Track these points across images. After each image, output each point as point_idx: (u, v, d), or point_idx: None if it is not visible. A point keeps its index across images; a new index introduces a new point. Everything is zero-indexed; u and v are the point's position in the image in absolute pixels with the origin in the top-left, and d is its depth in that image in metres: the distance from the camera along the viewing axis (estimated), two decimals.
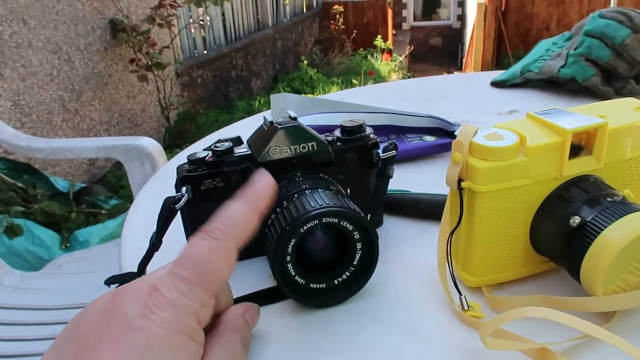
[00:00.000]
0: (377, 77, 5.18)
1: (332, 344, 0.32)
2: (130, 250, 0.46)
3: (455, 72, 7.09)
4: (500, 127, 0.32)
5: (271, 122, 0.39)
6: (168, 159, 1.31)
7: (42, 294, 1.04)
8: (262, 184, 0.28)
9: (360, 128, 0.42)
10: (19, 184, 1.71)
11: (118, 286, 0.40)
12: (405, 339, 0.31)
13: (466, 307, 0.32)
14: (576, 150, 0.32)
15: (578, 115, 0.32)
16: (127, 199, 1.98)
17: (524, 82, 0.88)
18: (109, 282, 0.41)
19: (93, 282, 1.05)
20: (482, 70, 6.43)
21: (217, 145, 0.40)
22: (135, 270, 0.41)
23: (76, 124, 2.56)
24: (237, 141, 0.41)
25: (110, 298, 0.25)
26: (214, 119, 3.43)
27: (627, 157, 0.33)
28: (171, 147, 2.97)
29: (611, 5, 4.83)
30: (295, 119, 0.40)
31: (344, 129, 0.42)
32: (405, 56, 6.44)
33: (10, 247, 1.41)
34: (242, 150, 0.40)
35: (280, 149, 0.38)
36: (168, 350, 0.23)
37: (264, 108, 3.82)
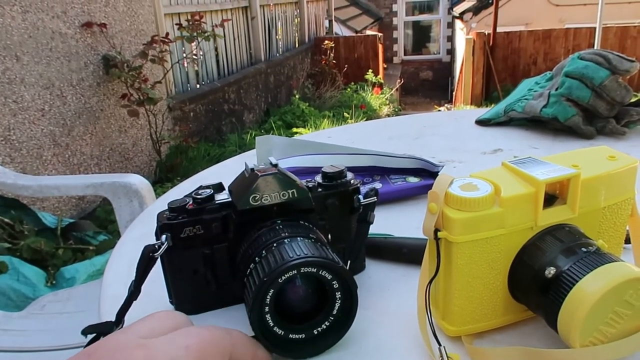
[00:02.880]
0: (369, 111, 5.25)
1: None
2: (110, 296, 0.46)
3: (446, 105, 7.22)
4: (476, 177, 0.33)
5: (252, 169, 0.40)
6: (158, 194, 1.31)
7: (25, 335, 1.01)
8: None
9: (341, 174, 0.42)
10: (6, 220, 1.69)
11: (95, 337, 0.40)
12: None
13: (446, 359, 0.31)
14: (551, 200, 0.33)
15: (552, 165, 0.33)
16: (117, 234, 1.96)
17: (507, 121, 0.90)
18: (86, 332, 0.41)
19: (77, 323, 1.03)
20: (471, 103, 6.55)
21: (199, 192, 0.40)
22: (113, 319, 0.40)
23: (67, 158, 2.55)
24: (218, 188, 0.42)
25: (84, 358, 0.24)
26: (205, 153, 3.44)
27: (601, 206, 0.33)
28: (162, 181, 2.96)
29: (595, 40, 4.98)
30: (276, 165, 0.40)
31: (325, 174, 0.42)
32: (396, 89, 6.55)
33: None
34: (222, 197, 0.40)
35: (260, 196, 0.38)
36: None
37: (255, 142, 3.83)
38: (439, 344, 0.32)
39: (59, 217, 1.90)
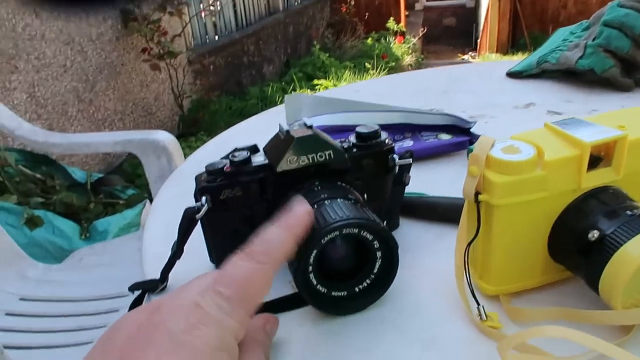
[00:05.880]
0: (391, 60, 5.12)
1: (352, 354, 0.33)
2: (151, 256, 0.47)
3: (470, 53, 6.98)
4: (518, 139, 0.32)
5: (287, 131, 0.40)
6: (182, 149, 1.32)
7: (65, 286, 1.07)
8: (301, 212, 0.30)
9: (376, 134, 0.42)
10: (38, 175, 1.74)
11: (141, 293, 0.42)
12: (424, 350, 0.32)
13: (484, 318, 0.32)
14: (595, 162, 0.32)
15: (596, 126, 0.32)
16: (144, 188, 2.00)
17: (540, 73, 0.87)
18: (132, 288, 0.43)
19: (113, 275, 1.07)
20: (497, 51, 6.32)
21: (235, 154, 0.40)
22: (157, 277, 0.42)
23: (91, 114, 2.58)
24: (254, 150, 0.42)
25: (148, 314, 0.25)
26: (227, 107, 3.43)
27: None
28: (185, 135, 2.98)
29: None
30: (311, 127, 0.40)
31: (359, 135, 0.42)
32: (419, 38, 6.34)
33: (32, 238, 1.45)
34: (259, 159, 0.40)
35: (297, 158, 0.39)
36: None
37: (277, 95, 3.80)
38: (477, 303, 0.33)
39: (88, 172, 1.94)
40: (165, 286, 0.41)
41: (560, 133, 0.32)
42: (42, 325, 0.95)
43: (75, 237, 1.56)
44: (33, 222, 1.48)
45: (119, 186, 1.95)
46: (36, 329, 0.94)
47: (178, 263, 0.41)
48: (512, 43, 6.35)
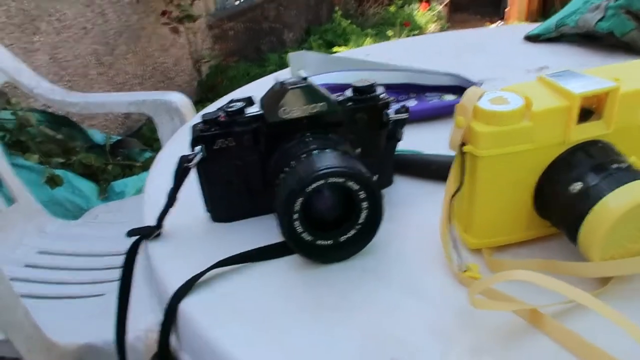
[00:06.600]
0: (414, 29, 5.00)
1: (335, 299, 0.33)
2: (152, 204, 0.48)
3: (498, 23, 6.76)
4: (508, 90, 0.32)
5: (281, 83, 0.40)
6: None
7: (81, 241, 1.10)
8: None
9: (371, 88, 0.42)
10: (58, 136, 1.78)
11: (138, 238, 0.43)
12: (403, 296, 0.33)
13: (464, 268, 0.33)
14: (586, 114, 0.32)
15: (590, 78, 0.31)
16: None
17: (558, 37, 0.84)
18: (130, 234, 0.44)
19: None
20: (526, 20, 6.10)
21: (230, 105, 0.41)
22: (154, 223, 0.43)
23: (111, 77, 2.60)
24: (249, 101, 0.42)
25: None
26: (245, 73, 3.42)
27: (639, 123, 0.32)
28: (203, 101, 2.99)
29: None
30: (305, 78, 0.40)
31: (355, 88, 0.42)
32: (445, 5, 6.15)
33: (52, 196, 1.49)
34: (253, 110, 0.41)
35: (290, 109, 0.39)
36: None
37: None
38: (458, 254, 0.33)
39: (107, 135, 1.97)
40: (160, 233, 0.43)
41: (552, 85, 0.32)
42: (59, 277, 0.99)
43: (94, 197, 1.60)
44: (53, 181, 1.53)
45: (137, 149, 1.98)
46: (53, 281, 0.98)
47: (175, 211, 0.42)
48: (543, 12, 6.11)
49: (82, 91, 2.33)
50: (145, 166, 1.81)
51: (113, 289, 0.94)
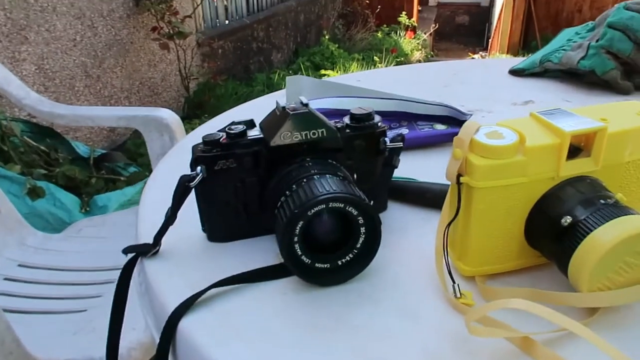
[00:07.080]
0: (400, 55, 5.11)
1: (331, 322, 0.34)
2: (147, 221, 0.49)
3: (480, 53, 6.94)
4: (502, 126, 0.34)
5: (283, 108, 0.41)
6: (186, 130, 1.34)
7: (63, 255, 1.08)
8: None
9: (369, 116, 0.43)
10: (42, 147, 1.76)
11: (134, 256, 0.43)
12: (398, 320, 0.34)
13: (458, 295, 0.34)
14: (575, 151, 0.33)
15: (580, 118, 0.33)
16: (146, 167, 2.02)
17: (542, 72, 0.88)
18: (126, 251, 0.44)
19: (111, 247, 1.09)
20: (508, 52, 6.28)
21: (231, 127, 0.42)
22: (151, 241, 0.43)
23: (98, 90, 2.59)
24: (250, 124, 0.43)
25: None
26: (232, 91, 3.44)
27: (625, 161, 0.34)
28: (190, 117, 2.99)
29: None
30: (306, 105, 0.41)
31: (353, 116, 0.43)
32: (430, 34, 6.31)
33: (33, 208, 1.47)
34: (254, 133, 0.42)
35: (291, 134, 0.40)
36: None
37: (283, 82, 3.80)
38: (453, 281, 0.34)
39: (92, 148, 1.96)
40: (158, 250, 0.43)
41: (544, 122, 0.34)
42: (40, 292, 0.97)
43: (76, 210, 1.58)
44: (35, 193, 1.50)
45: (121, 163, 1.97)
46: (33, 295, 0.96)
47: (172, 230, 0.42)
48: (523, 44, 6.31)
49: (68, 103, 2.32)
50: (130, 181, 1.79)
51: (95, 305, 0.93)
